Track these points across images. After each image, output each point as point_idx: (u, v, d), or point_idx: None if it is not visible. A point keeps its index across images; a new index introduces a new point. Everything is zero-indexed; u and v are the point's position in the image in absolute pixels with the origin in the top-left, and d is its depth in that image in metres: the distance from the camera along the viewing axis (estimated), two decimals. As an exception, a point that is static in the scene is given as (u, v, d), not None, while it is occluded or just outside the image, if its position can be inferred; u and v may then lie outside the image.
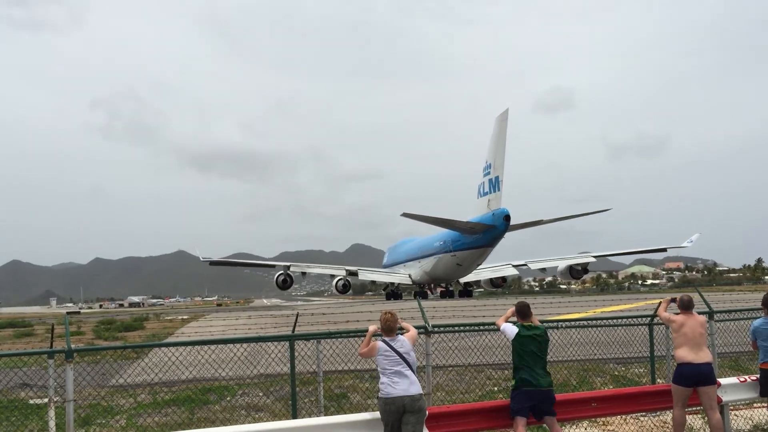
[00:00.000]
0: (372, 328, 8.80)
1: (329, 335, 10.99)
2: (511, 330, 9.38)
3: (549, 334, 9.56)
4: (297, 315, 12.29)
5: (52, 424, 8.63)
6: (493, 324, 9.78)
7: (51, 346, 9.66)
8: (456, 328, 11.62)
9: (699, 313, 10.72)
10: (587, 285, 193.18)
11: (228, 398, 14.16)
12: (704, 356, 9.86)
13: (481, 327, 10.95)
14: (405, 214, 77.06)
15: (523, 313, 9.54)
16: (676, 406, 9.99)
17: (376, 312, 9.79)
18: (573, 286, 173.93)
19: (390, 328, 8.58)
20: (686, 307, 10.30)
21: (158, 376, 14.17)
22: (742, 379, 10.96)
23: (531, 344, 9.22)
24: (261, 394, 14.39)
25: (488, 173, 79.82)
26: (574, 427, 10.87)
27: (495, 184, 78.27)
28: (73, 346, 8.73)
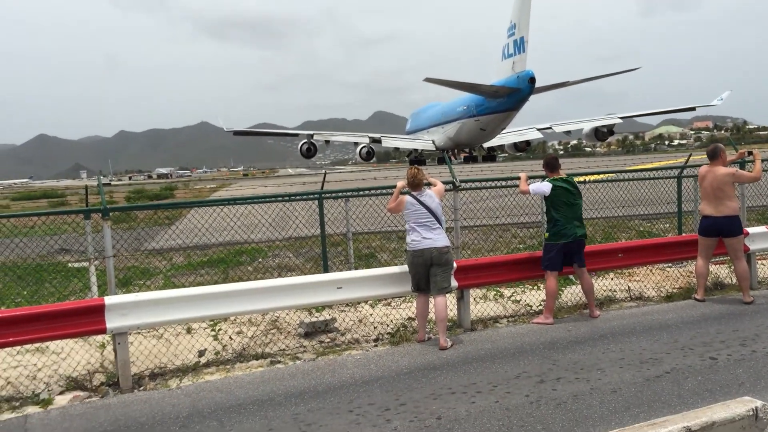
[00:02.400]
0: (400, 183, 8.79)
1: (358, 192, 11.02)
2: (544, 186, 9.29)
3: None
4: (325, 173, 12.33)
5: (93, 279, 8.95)
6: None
7: (86, 206, 9.82)
8: (484, 184, 11.58)
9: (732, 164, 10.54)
10: (612, 147, 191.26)
11: (260, 260, 14.52)
12: (724, 209, 9.73)
13: (509, 182, 10.89)
14: (428, 79, 75.41)
15: (551, 165, 9.43)
16: (700, 256, 10.11)
17: (401, 177, 9.76)
18: (598, 149, 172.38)
19: (417, 182, 8.56)
20: (710, 157, 10.07)
21: (191, 240, 14.53)
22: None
23: (566, 196, 9.17)
24: (291, 255, 14.73)
25: (512, 34, 77.09)
26: (600, 278, 11.05)
27: (519, 45, 75.75)
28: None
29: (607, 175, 15.03)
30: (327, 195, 10.88)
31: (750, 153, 10.54)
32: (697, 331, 8.38)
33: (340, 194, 11.02)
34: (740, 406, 5.07)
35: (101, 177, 9.33)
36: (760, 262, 11.57)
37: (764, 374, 6.72)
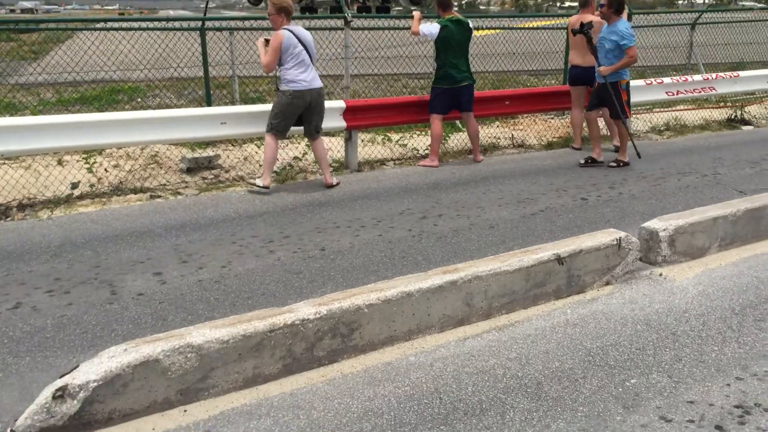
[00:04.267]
0: (261, 40, 7.91)
1: (243, 21, 10.38)
2: (433, 27, 9.02)
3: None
4: (207, 1, 11.45)
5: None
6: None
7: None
8: (376, 23, 11.22)
9: None
10: (507, 6, 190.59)
11: (138, 99, 13.69)
12: (591, 60, 9.69)
13: (402, 21, 10.57)
14: None
15: (444, 4, 9.11)
16: (573, 106, 10.30)
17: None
18: (492, 7, 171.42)
19: (291, 9, 7.85)
20: (581, 5, 10.14)
21: (61, 76, 13.40)
22: (648, 82, 11.38)
23: (455, 36, 8.93)
24: (172, 96, 13.97)
25: None
26: (486, 126, 11.22)
27: None
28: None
29: (497, 30, 14.95)
30: (210, 26, 10.17)
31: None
32: (571, 175, 8.78)
33: (224, 26, 10.36)
34: (605, 237, 5.41)
35: None
36: (635, 116, 12.12)
37: (628, 213, 7.17)
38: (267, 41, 7.77)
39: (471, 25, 9.18)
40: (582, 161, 9.40)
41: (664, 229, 5.66)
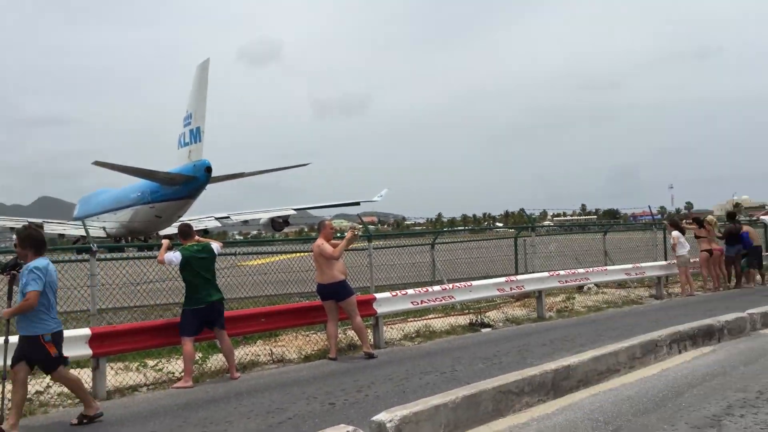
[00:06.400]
0: None
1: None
2: (175, 256, 9.55)
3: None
4: None
5: None
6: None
7: None
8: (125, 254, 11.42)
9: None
10: (290, 238, 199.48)
11: None
12: (325, 277, 10.86)
13: (148, 251, 10.89)
14: (97, 163, 71.23)
15: (184, 233, 9.80)
16: (328, 319, 11.06)
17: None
18: (278, 239, 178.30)
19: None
20: (317, 230, 11.52)
21: None
22: (394, 294, 12.50)
23: (198, 262, 9.49)
24: None
25: (189, 123, 77.36)
26: (247, 345, 11.47)
27: (196, 135, 76.18)
28: None
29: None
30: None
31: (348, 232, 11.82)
32: (323, 383, 9.15)
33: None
34: (336, 431, 5.74)
35: None
36: (389, 326, 13.09)
37: (371, 413, 7.51)
38: None
39: (214, 247, 9.83)
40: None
41: (390, 420, 6.09)
